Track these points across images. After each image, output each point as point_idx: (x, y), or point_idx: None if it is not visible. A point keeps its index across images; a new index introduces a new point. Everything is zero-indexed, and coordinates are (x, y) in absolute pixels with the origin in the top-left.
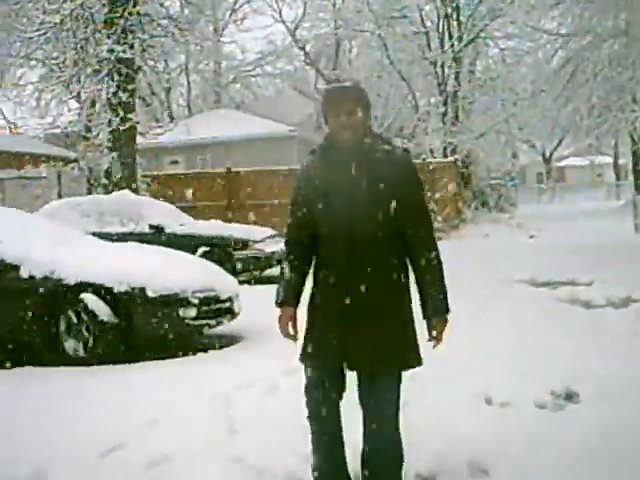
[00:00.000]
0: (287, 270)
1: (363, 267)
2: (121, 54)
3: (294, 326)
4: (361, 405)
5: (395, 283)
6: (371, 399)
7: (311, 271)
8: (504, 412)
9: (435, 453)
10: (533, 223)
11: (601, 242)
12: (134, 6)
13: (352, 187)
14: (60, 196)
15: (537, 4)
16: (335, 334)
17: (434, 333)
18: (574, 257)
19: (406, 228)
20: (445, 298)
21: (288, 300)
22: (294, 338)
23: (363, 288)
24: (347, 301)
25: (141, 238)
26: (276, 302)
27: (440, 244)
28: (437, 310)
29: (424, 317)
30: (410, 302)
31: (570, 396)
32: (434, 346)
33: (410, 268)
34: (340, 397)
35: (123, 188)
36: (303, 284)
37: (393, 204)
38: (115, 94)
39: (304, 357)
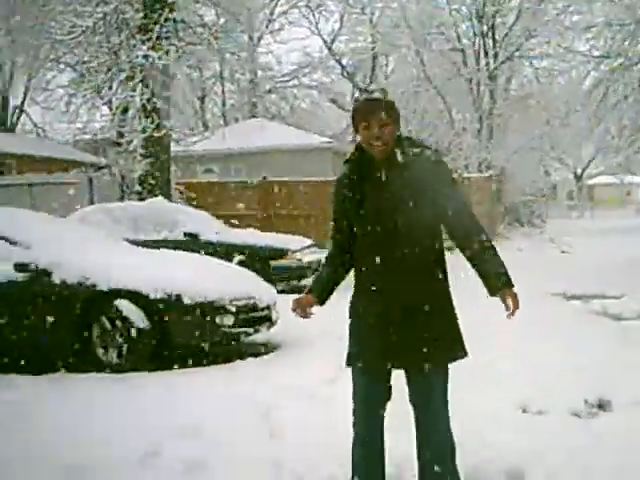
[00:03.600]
0: (322, 268)
1: (403, 268)
2: (156, 60)
3: (307, 308)
4: (412, 404)
5: (436, 280)
6: (423, 396)
7: (351, 280)
8: (540, 420)
9: (472, 461)
10: (564, 239)
11: (630, 257)
12: (170, 12)
13: (385, 194)
14: (92, 202)
15: (571, 25)
16: (380, 335)
17: (509, 304)
18: (604, 271)
19: (450, 221)
20: (507, 273)
21: (313, 290)
22: (303, 316)
23: (404, 289)
24: (389, 302)
25: (176, 245)
26: (305, 291)
27: None
28: (507, 282)
29: (493, 293)
30: (451, 297)
31: (602, 405)
32: (509, 315)
33: (463, 256)
34: (385, 406)
35: (157, 195)
36: (334, 283)
37: (429, 204)
38: (149, 100)
39: (350, 360)
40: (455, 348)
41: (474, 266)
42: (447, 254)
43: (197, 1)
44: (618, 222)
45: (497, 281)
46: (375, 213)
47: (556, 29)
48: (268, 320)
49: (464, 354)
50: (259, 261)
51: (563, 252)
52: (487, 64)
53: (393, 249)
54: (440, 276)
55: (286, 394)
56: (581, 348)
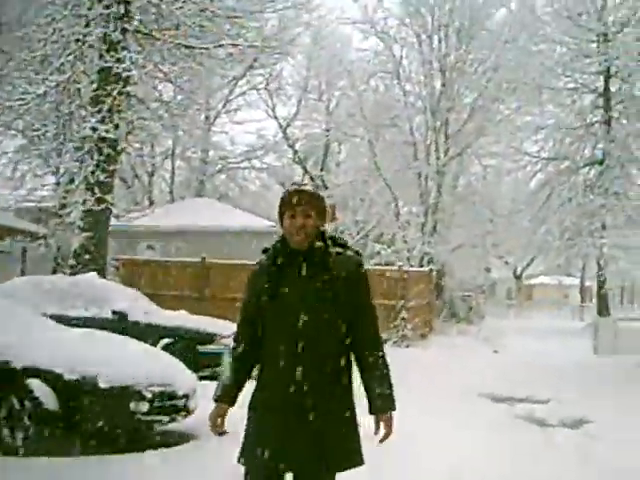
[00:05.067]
0: (230, 368)
1: (308, 366)
2: (104, 133)
3: (222, 422)
4: None
5: (340, 385)
6: None
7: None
8: None
9: None
10: (499, 338)
11: (561, 361)
12: (124, 87)
13: (301, 288)
14: (23, 273)
15: (522, 127)
16: (274, 434)
17: (383, 427)
18: (533, 374)
19: (354, 327)
20: (392, 395)
21: (223, 397)
22: (221, 434)
23: (308, 391)
24: (290, 403)
25: (102, 324)
26: (213, 398)
27: (408, 352)
28: (386, 406)
29: (371, 412)
30: (354, 403)
31: None
32: (382, 440)
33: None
34: None
35: (91, 270)
36: (243, 384)
37: (341, 305)
38: (93, 173)
39: (242, 458)
40: (351, 457)
41: (363, 379)
42: None
43: (155, 77)
44: (554, 323)
45: (379, 401)
46: (289, 306)
47: (507, 129)
48: (185, 410)
49: (361, 462)
50: (186, 345)
51: (495, 352)
52: (437, 159)
53: (302, 347)
54: (345, 381)
55: None
56: (505, 455)
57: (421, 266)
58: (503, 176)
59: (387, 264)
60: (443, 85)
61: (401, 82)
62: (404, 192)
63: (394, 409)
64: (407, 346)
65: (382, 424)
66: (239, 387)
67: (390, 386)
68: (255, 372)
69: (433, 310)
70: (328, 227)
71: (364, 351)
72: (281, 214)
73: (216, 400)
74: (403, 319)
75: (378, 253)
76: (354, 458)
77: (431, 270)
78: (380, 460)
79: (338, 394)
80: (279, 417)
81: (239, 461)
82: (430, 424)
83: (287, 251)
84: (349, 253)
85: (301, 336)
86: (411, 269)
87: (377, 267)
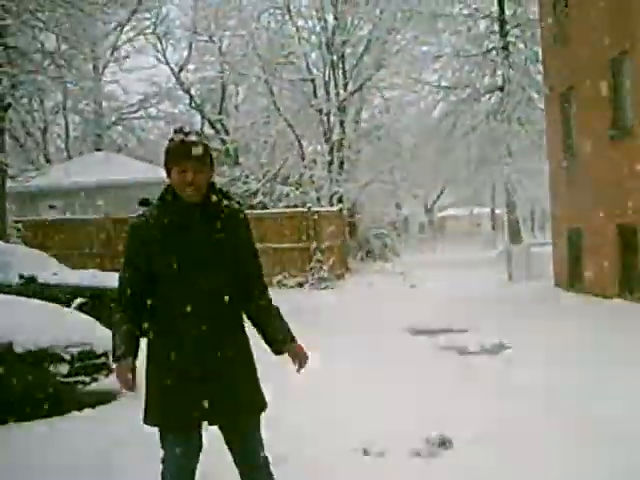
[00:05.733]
0: (122, 323)
1: (208, 318)
2: None
3: (134, 377)
4: (234, 454)
5: (241, 331)
6: (243, 447)
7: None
8: (380, 462)
9: None
10: (415, 272)
11: (477, 291)
12: (1, 37)
13: (195, 241)
14: None
15: (419, 56)
16: (189, 391)
17: (298, 356)
18: (451, 306)
19: (244, 276)
20: (290, 330)
21: (127, 353)
22: (133, 389)
23: (213, 339)
24: (198, 353)
25: (11, 289)
26: (114, 358)
27: (325, 293)
28: (291, 337)
29: (277, 349)
30: (251, 348)
31: (444, 443)
32: (299, 368)
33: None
34: (198, 458)
35: None
36: (139, 337)
37: (229, 256)
38: None
39: (149, 419)
40: (262, 400)
41: (257, 324)
42: None
43: (33, 27)
44: (468, 254)
45: (286, 335)
46: (184, 257)
47: (405, 60)
48: (106, 368)
49: (266, 405)
50: (101, 304)
51: (412, 286)
52: (337, 94)
53: (202, 296)
54: (243, 327)
55: (124, 445)
56: (425, 384)
57: (331, 205)
58: (405, 108)
59: (296, 206)
60: (336, 18)
61: (293, 18)
62: (307, 131)
63: (295, 340)
64: (324, 287)
65: (293, 353)
66: (136, 341)
67: (285, 323)
68: (145, 324)
69: (348, 250)
70: (233, 171)
71: (256, 294)
72: (168, 167)
73: (119, 358)
74: (319, 261)
75: (287, 195)
76: (263, 401)
77: (341, 209)
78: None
79: (240, 342)
80: (191, 371)
81: (146, 422)
82: (352, 359)
83: (179, 204)
84: (234, 205)
85: (201, 286)
86: (321, 209)
87: (287, 210)
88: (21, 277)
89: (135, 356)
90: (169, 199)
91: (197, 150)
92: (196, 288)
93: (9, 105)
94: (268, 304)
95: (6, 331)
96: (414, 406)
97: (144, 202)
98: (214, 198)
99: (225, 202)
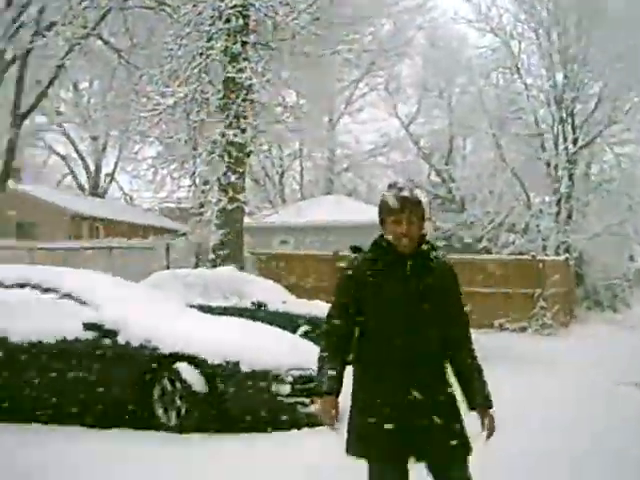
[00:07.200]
0: (329, 359)
1: (420, 361)
2: (231, 137)
3: (337, 414)
4: None
5: (445, 379)
6: None
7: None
8: None
9: None
10: None
11: None
12: (247, 94)
13: (405, 289)
14: (168, 267)
15: None
16: (399, 425)
17: (487, 424)
18: None
19: (451, 331)
20: (489, 394)
21: (333, 390)
22: (335, 427)
23: (420, 384)
24: (407, 396)
25: (242, 313)
26: (321, 392)
27: (549, 340)
28: (488, 402)
29: (472, 407)
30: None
31: None
32: (488, 437)
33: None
34: None
35: (228, 264)
36: (344, 371)
37: (439, 306)
38: (225, 175)
39: (361, 449)
40: (468, 444)
41: (460, 379)
42: None
43: (274, 84)
44: None
45: (480, 398)
46: (396, 303)
47: (636, 117)
48: None
49: (471, 450)
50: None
51: None
52: (566, 148)
53: (410, 342)
54: (447, 378)
55: (338, 467)
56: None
57: (557, 255)
58: (637, 162)
59: (521, 254)
60: (565, 77)
61: (522, 76)
62: (533, 182)
63: (492, 407)
64: (548, 334)
65: (486, 421)
66: (342, 378)
67: (486, 385)
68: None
69: (574, 299)
70: (459, 217)
71: (460, 349)
72: (383, 218)
73: (324, 394)
74: (542, 308)
75: (512, 243)
76: (469, 446)
77: (567, 258)
78: None
79: (446, 388)
80: (399, 411)
81: (349, 452)
82: (569, 417)
83: (392, 251)
84: (443, 258)
85: (410, 333)
86: (547, 258)
87: (511, 256)
88: (253, 303)
89: (339, 394)
90: (384, 245)
91: (409, 203)
92: (403, 332)
93: (250, 152)
94: (472, 361)
95: (234, 350)
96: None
97: (356, 249)
98: (425, 247)
99: (434, 253)
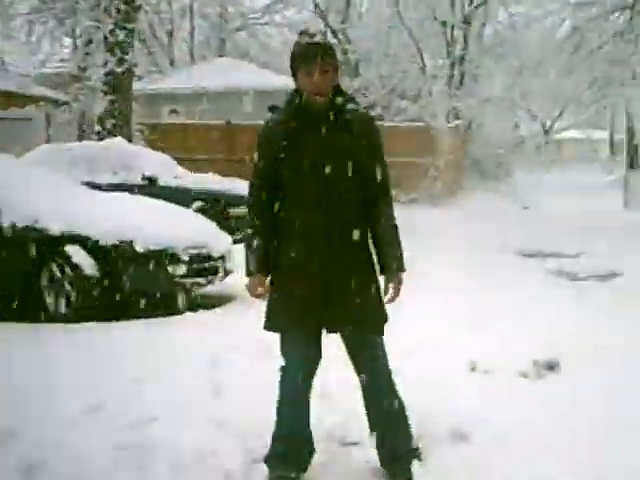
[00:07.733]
0: (256, 237)
1: (337, 225)
2: None
3: (266, 291)
4: (358, 373)
5: (364, 243)
6: (368, 364)
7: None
8: (487, 379)
9: (417, 418)
10: (528, 194)
11: (592, 216)
12: None
13: (323, 146)
14: (48, 140)
15: None
16: (310, 298)
17: (392, 289)
18: (563, 229)
19: (368, 186)
20: (402, 256)
21: (260, 270)
22: (263, 297)
23: (336, 250)
24: (321, 263)
25: (133, 189)
26: (247, 272)
27: (438, 210)
28: (399, 267)
29: (382, 272)
30: (374, 264)
31: (552, 366)
32: (389, 301)
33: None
34: (316, 368)
35: (116, 135)
36: (271, 247)
37: (358, 163)
38: (112, 32)
39: (269, 324)
40: (384, 312)
41: (375, 240)
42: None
43: None
44: (584, 178)
45: (392, 263)
46: (311, 162)
47: None
48: (222, 271)
49: (386, 320)
50: (219, 208)
51: (525, 208)
52: (463, 7)
53: (327, 204)
54: (366, 240)
55: (235, 349)
56: (534, 307)
57: (447, 122)
58: (530, 24)
59: (413, 120)
60: None
61: None
62: (429, 44)
63: (404, 270)
64: (437, 204)
65: (391, 285)
66: (268, 256)
67: (400, 247)
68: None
69: (462, 168)
70: (354, 83)
71: (377, 210)
72: (294, 70)
73: (251, 273)
74: (433, 177)
75: (404, 109)
76: (385, 315)
77: (457, 126)
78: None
79: (365, 253)
80: (312, 280)
81: (267, 328)
82: (460, 278)
83: (305, 108)
84: (361, 110)
85: (327, 190)
86: (437, 124)
87: (404, 124)
88: (143, 178)
89: (267, 272)
90: (296, 103)
91: (322, 51)
92: (323, 192)
93: (139, 6)
94: (387, 223)
95: (128, 229)
96: (522, 328)
97: (273, 108)
98: (339, 100)
99: (351, 105)
